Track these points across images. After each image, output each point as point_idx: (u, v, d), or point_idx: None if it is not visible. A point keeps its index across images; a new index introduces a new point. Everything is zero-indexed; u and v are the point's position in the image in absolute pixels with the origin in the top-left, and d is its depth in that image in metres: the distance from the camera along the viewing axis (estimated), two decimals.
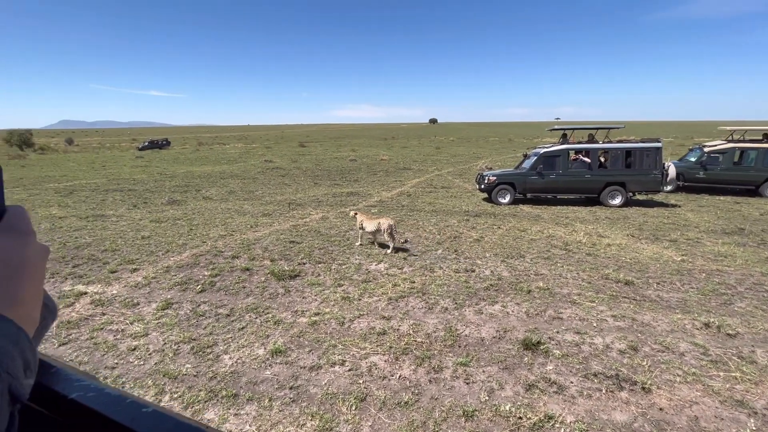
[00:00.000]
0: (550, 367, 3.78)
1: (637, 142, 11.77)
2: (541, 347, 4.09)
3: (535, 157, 12.06)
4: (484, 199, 12.80)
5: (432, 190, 14.73)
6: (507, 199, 12.10)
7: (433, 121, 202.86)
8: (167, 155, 32.88)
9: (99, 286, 5.61)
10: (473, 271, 6.30)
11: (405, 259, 6.81)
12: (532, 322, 4.69)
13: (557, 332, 4.45)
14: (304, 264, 6.55)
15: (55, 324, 4.50)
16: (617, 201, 11.74)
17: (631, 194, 12.02)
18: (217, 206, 11.64)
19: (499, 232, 8.64)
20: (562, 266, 6.53)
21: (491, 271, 6.29)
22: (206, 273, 6.10)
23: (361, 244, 7.49)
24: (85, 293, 5.35)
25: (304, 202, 12.22)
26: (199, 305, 5.04)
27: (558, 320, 4.73)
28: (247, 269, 6.26)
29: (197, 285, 5.64)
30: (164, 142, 46.59)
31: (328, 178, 18.02)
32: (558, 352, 4.03)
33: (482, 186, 12.34)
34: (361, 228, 7.44)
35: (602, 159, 11.96)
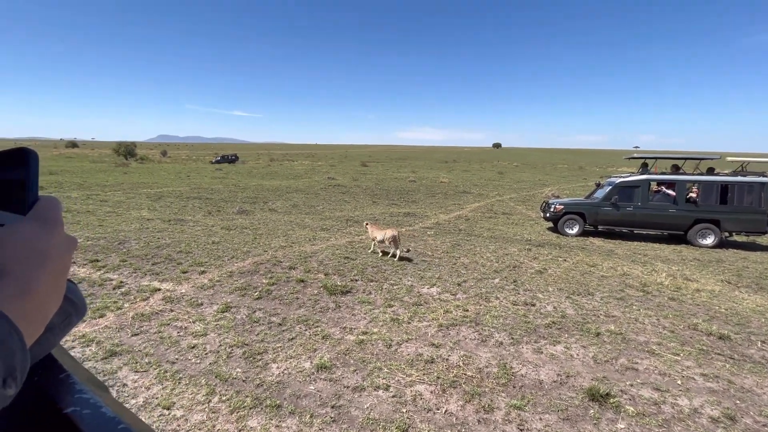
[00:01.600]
0: (622, 426, 3.29)
1: (735, 176, 10.36)
2: (611, 400, 3.60)
3: (610, 187, 11.16)
4: (549, 229, 12.11)
5: (492, 215, 14.25)
6: (575, 230, 11.31)
7: (497, 145, 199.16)
8: (242, 169, 35.78)
9: (171, 284, 6.10)
10: (533, 305, 5.85)
11: (459, 285, 6.55)
12: (601, 369, 4.17)
13: (631, 385, 3.89)
14: (356, 281, 6.57)
15: (131, 314, 4.95)
16: (709, 241, 10.34)
17: (727, 234, 10.52)
18: (280, 218, 12.26)
19: (565, 265, 8.00)
20: (639, 310, 5.81)
21: (554, 307, 5.79)
22: (264, 281, 6.36)
23: (373, 252, 8.28)
24: (159, 289, 5.84)
25: (361, 220, 12.42)
26: (254, 311, 5.24)
27: (632, 371, 4.15)
28: (302, 281, 6.43)
29: (255, 292, 5.89)
30: (233, 157, 50.97)
31: (386, 198, 18.24)
32: (632, 409, 3.51)
33: (548, 214, 11.72)
34: (373, 238, 8.27)
35: (691, 193, 10.69)
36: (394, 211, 14.25)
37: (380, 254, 8.16)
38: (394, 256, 8.00)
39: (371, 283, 6.47)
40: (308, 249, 8.46)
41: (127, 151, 52.27)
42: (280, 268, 7.09)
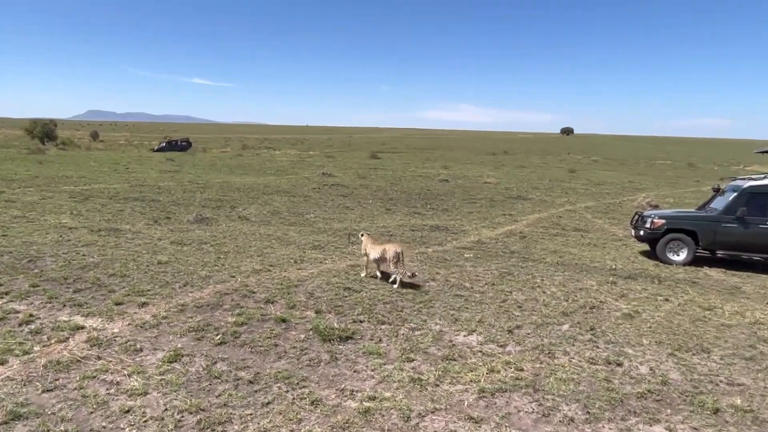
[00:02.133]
0: None
1: None
2: None
3: (736, 195, 11.01)
4: (644, 253, 12.01)
5: (560, 232, 14.18)
6: (682, 255, 11.18)
7: (567, 131, 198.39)
8: (202, 160, 36.45)
9: (100, 320, 6.21)
10: (620, 364, 5.76)
11: (510, 332, 6.50)
12: None
13: None
14: (361, 322, 6.59)
15: (43, 362, 5.04)
16: None
17: None
18: (255, 230, 12.43)
19: (667, 308, 7.88)
20: None
21: (650, 369, 5.67)
22: (230, 319, 6.42)
23: (366, 275, 8.66)
24: (83, 327, 5.94)
25: (390, 239, 12.43)
26: (215, 362, 5.28)
27: None
28: (284, 320, 6.46)
29: (217, 334, 5.94)
30: (184, 143, 52.03)
31: (406, 204, 18.33)
32: None
33: (642, 232, 11.66)
34: (365, 254, 8.64)
35: None
36: (416, 224, 14.30)
37: (379, 277, 8.57)
38: (393, 282, 8.28)
39: (382, 327, 6.47)
40: (293, 275, 8.52)
41: (44, 132, 53.92)
42: (252, 301, 7.15)
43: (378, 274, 8.60)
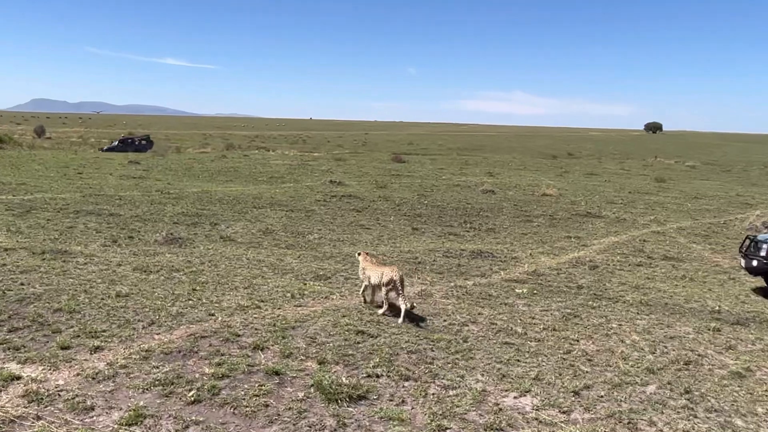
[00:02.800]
0: None
1: None
2: None
3: None
4: (758, 290, 11.87)
5: (644, 261, 14.04)
6: None
7: (654, 128, 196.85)
8: (176, 163, 37.09)
9: (40, 368, 6.29)
10: None
11: (576, 393, 6.41)
12: None
13: None
14: (378, 377, 6.56)
15: None
16: None
17: None
18: (241, 254, 12.55)
19: None
20: None
21: None
22: (207, 370, 6.45)
23: (364, 302, 9.32)
24: (19, 378, 6.03)
25: (389, 262, 12.45)
26: (187, 427, 5.30)
27: None
28: (277, 373, 6.47)
29: (190, 390, 5.97)
30: (143, 142, 52.88)
31: (438, 221, 18.34)
32: None
33: (755, 263, 11.62)
34: (366, 279, 9.26)
35: None
36: (452, 248, 14.29)
37: (363, 301, 9.32)
38: (396, 313, 8.78)
39: (406, 383, 6.43)
40: (290, 314, 8.54)
41: None
42: (236, 347, 7.16)
43: (379, 304, 9.13)
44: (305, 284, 10.32)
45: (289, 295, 9.57)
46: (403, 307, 8.58)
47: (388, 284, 8.67)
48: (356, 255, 9.89)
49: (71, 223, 14.82)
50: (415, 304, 8.90)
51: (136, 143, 52.01)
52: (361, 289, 9.40)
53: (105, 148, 50.95)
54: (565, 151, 79.18)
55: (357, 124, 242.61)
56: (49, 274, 9.89)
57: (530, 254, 14.09)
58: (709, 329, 8.99)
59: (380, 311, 8.90)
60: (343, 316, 8.57)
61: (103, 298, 8.72)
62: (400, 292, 8.62)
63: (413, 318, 8.68)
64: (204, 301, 8.95)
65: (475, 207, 21.78)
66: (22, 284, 9.16)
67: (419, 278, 11.31)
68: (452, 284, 10.94)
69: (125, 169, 31.04)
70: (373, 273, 9.01)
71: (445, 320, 8.75)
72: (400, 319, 8.55)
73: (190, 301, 8.86)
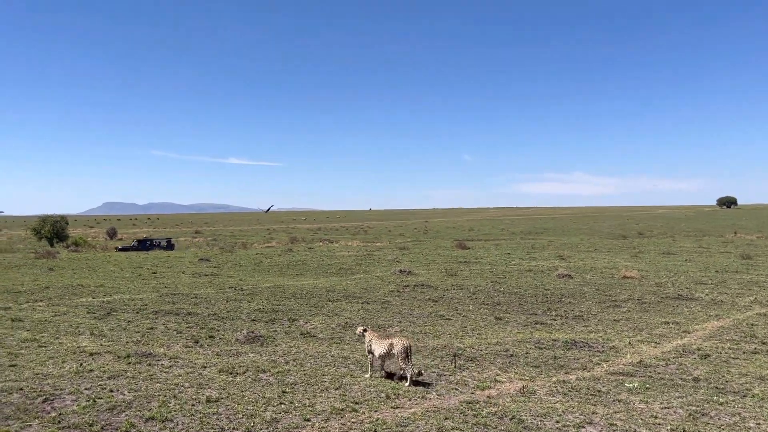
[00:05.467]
0: None
1: None
2: None
3: None
4: None
5: (759, 347, 12.93)
6: None
7: (728, 202, 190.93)
8: (244, 258, 37.52)
9: None
10: None
11: None
12: None
13: None
14: None
15: None
16: None
17: None
18: (324, 351, 12.16)
19: None
20: None
21: None
22: None
23: (371, 376, 10.14)
24: None
25: (479, 355, 11.87)
26: None
27: None
28: None
29: None
30: (163, 243, 53.31)
31: (519, 309, 17.60)
32: None
33: None
34: (370, 352, 10.16)
35: None
36: (542, 338, 13.50)
37: (368, 376, 10.12)
38: (402, 378, 9.76)
39: None
40: (389, 417, 8.02)
41: (53, 231, 58.45)
42: None
43: (383, 372, 10.23)
44: (397, 382, 9.76)
45: (383, 395, 9.03)
46: (409, 374, 9.57)
47: (402, 352, 9.56)
48: (362, 331, 10.65)
49: (151, 324, 14.78)
50: (422, 371, 10.08)
51: (157, 244, 52.73)
52: (368, 363, 10.31)
53: (120, 247, 52.03)
54: (635, 231, 77.09)
55: (416, 212, 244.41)
56: (137, 379, 9.67)
57: (629, 343, 13.10)
58: None
59: (406, 383, 9.58)
60: (446, 419, 7.98)
61: (193, 404, 8.40)
62: (410, 360, 9.62)
63: (519, 416, 7.97)
64: (296, 404, 8.51)
65: (554, 293, 20.84)
66: (111, 391, 8.94)
67: (516, 373, 10.55)
68: (554, 379, 10.15)
69: (197, 266, 31.53)
70: (379, 345, 9.89)
71: (557, 422, 7.98)
72: (407, 382, 9.50)
73: (282, 405, 8.44)
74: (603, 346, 12.71)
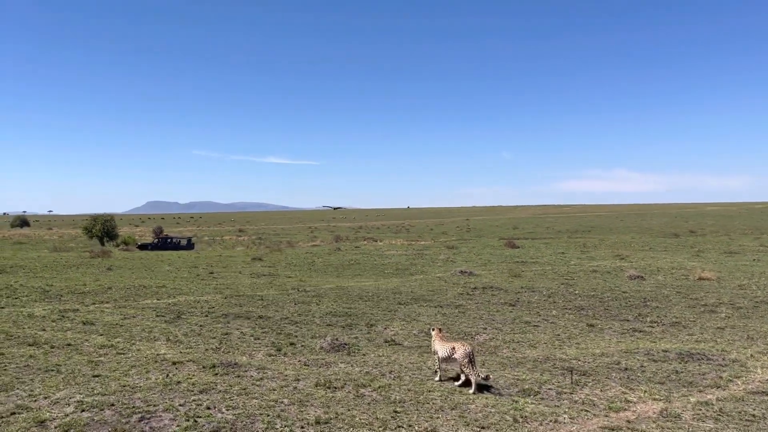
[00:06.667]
0: None
1: None
2: None
3: None
4: None
5: None
6: None
7: None
8: (295, 257, 36.86)
9: None
10: None
11: None
12: None
13: None
14: None
15: None
16: None
17: None
18: (417, 361, 11.27)
19: None
20: None
21: None
22: None
23: (440, 380, 9.88)
24: None
25: (591, 369, 10.78)
26: None
27: None
28: None
29: None
30: (183, 242, 52.28)
31: (607, 314, 16.49)
32: None
33: None
34: (435, 353, 10.05)
35: None
36: (650, 348, 12.35)
37: (438, 378, 9.90)
38: (467, 384, 9.38)
39: None
40: None
41: (104, 230, 58.73)
42: None
43: (439, 375, 9.99)
44: (516, 401, 8.72)
45: (508, 418, 8.00)
46: (473, 379, 9.17)
47: (464, 357, 9.23)
48: (430, 330, 10.60)
49: (225, 329, 14.02)
50: (490, 375, 9.56)
51: (176, 243, 51.84)
52: (435, 363, 10.19)
53: (140, 243, 51.49)
54: (686, 229, 74.55)
55: (455, 210, 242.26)
56: (230, 394, 8.83)
57: (751, 355, 11.80)
58: None
59: (471, 390, 9.18)
60: None
61: (302, 426, 7.52)
62: (475, 365, 9.25)
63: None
64: (416, 428, 7.55)
65: (634, 296, 19.53)
66: (208, 408, 8.10)
67: (644, 391, 9.38)
68: (692, 400, 8.96)
69: (251, 266, 30.95)
70: (442, 346, 9.73)
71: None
72: (472, 389, 9.10)
73: (402, 429, 7.48)
74: (723, 359, 11.46)
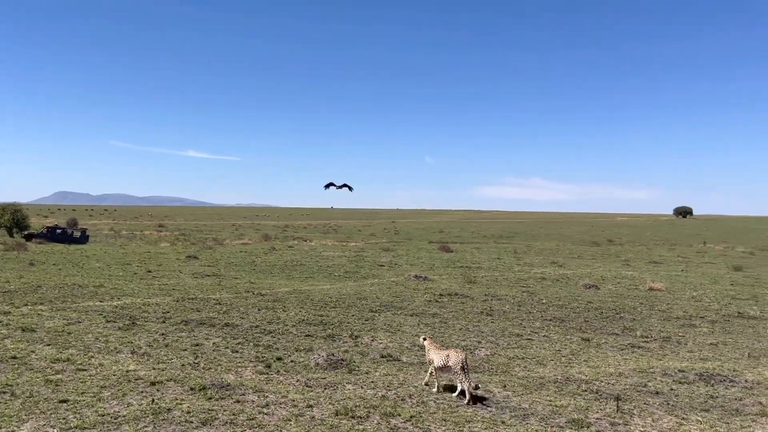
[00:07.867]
0: None
1: None
2: None
3: None
4: None
5: None
6: None
7: (684, 212, 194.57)
8: (233, 257, 34.71)
9: None
10: None
11: None
12: None
13: None
14: None
15: None
16: None
17: None
18: (430, 381, 10.02)
19: None
20: None
21: None
22: None
23: (438, 391, 9.54)
24: None
25: (619, 392, 9.88)
26: None
27: None
28: None
29: None
30: (80, 235, 47.07)
31: (589, 326, 16.10)
32: None
33: None
34: (430, 362, 9.80)
35: None
36: (664, 367, 11.73)
37: (436, 389, 9.58)
38: (462, 394, 9.12)
39: None
40: None
41: (14, 219, 53.35)
42: None
43: (436, 385, 9.69)
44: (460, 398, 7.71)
45: None
46: (467, 388, 8.91)
47: (458, 364, 9.04)
48: (421, 340, 10.45)
49: (193, 339, 12.32)
50: (479, 385, 9.33)
51: (69, 234, 46.56)
52: (428, 373, 9.92)
53: (26, 233, 46.54)
54: (604, 238, 77.02)
55: (379, 212, 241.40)
56: (238, 426, 7.34)
57: (759, 373, 11.42)
58: None
59: (464, 400, 8.96)
60: None
61: None
62: (468, 373, 9.07)
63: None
64: None
65: (603, 307, 19.16)
66: None
67: (697, 421, 8.51)
68: (731, 426, 8.24)
69: (188, 265, 28.79)
70: (437, 355, 9.53)
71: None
72: (466, 399, 8.87)
73: None
74: (745, 381, 10.87)
